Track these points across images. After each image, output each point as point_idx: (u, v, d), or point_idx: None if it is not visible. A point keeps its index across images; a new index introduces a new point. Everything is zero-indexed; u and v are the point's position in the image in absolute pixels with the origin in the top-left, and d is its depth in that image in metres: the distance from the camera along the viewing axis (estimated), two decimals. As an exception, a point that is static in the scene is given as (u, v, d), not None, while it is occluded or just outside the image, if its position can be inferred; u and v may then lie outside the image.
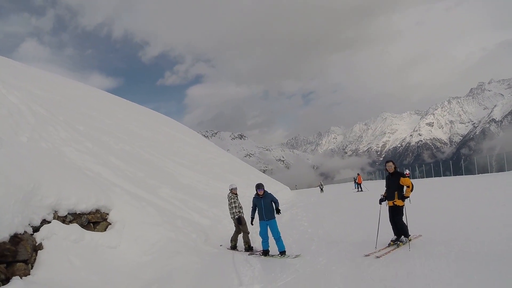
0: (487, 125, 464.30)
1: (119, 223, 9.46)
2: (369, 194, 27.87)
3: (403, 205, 9.41)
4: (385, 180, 10.01)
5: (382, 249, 9.06)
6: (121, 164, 15.23)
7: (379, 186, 36.12)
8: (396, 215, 9.43)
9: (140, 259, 8.67)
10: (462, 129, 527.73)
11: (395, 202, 9.41)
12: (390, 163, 9.67)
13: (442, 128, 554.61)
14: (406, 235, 9.32)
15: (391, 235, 9.66)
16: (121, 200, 10.42)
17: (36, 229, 7.08)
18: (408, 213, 9.82)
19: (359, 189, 36.87)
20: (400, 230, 9.40)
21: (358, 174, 38.90)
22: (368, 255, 8.58)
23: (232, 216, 11.51)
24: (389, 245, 9.37)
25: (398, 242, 9.27)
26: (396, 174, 9.49)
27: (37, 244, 6.93)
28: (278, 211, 10.32)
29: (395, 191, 9.42)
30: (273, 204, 10.26)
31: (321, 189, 45.41)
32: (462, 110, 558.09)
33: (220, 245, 11.85)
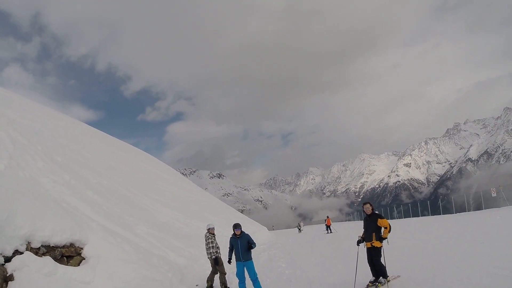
0: (464, 165, 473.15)
1: (94, 258, 9.19)
2: (347, 235, 27.82)
3: (381, 246, 9.41)
4: (362, 221, 10.02)
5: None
6: (98, 198, 14.96)
7: (356, 227, 36.25)
8: (374, 256, 9.39)
9: (114, 296, 8.41)
10: (439, 169, 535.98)
11: (373, 243, 9.42)
12: (368, 205, 9.76)
13: (420, 168, 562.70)
14: (385, 276, 9.31)
15: (370, 276, 9.63)
16: (96, 235, 10.17)
17: (7, 260, 6.85)
18: (386, 253, 9.72)
19: (329, 231, 37.53)
20: (378, 271, 9.38)
21: (327, 217, 40.44)
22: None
23: (209, 256, 11.36)
24: (368, 286, 9.35)
25: (377, 283, 9.24)
26: (373, 216, 9.57)
27: (8, 275, 6.67)
28: (250, 247, 10.09)
29: (373, 232, 9.44)
30: (250, 247, 10.16)
31: (299, 230, 45.67)
32: (438, 150, 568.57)
33: (196, 285, 11.61)
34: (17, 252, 7.13)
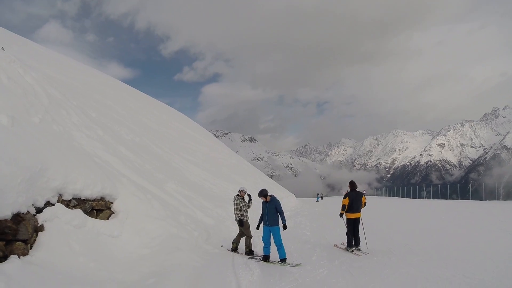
0: (498, 152, 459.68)
1: (123, 213, 9.41)
2: (373, 209, 27.67)
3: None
4: (348, 196, 11.45)
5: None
6: (130, 154, 15.21)
7: (384, 202, 36.09)
8: (358, 224, 11.42)
9: (140, 251, 8.60)
10: (473, 153, 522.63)
11: (357, 215, 11.43)
12: (353, 182, 11.82)
13: (453, 150, 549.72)
14: (359, 243, 11.38)
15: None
16: (127, 191, 10.38)
17: (39, 210, 7.05)
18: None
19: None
20: (357, 238, 11.39)
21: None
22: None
23: (235, 217, 11.39)
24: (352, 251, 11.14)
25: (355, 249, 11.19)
26: (360, 193, 11.59)
27: (38, 225, 6.89)
28: (284, 227, 10.04)
29: (360, 205, 11.43)
30: (277, 213, 10.09)
31: (318, 199, 46.57)
32: (474, 134, 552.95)
33: (221, 246, 11.73)
34: (48, 204, 7.34)
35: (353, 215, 11.32)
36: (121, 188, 10.26)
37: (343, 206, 11.36)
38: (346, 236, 11.49)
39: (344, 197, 11.48)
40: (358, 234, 11.38)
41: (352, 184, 11.69)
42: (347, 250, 11.22)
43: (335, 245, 12.15)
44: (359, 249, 11.12)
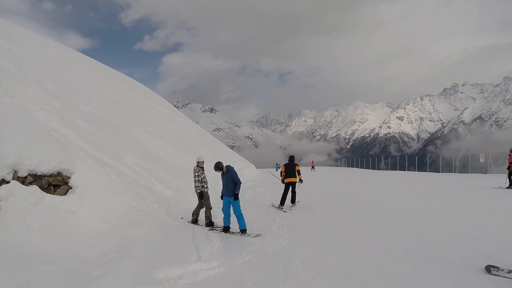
0: (456, 126, 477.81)
1: (81, 188, 9.30)
2: (330, 178, 28.37)
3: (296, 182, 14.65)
4: (284, 166, 14.85)
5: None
6: (88, 127, 14.92)
7: (341, 172, 36.99)
8: (293, 187, 14.67)
9: (99, 226, 8.57)
10: (431, 127, 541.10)
11: (292, 179, 14.51)
12: (292, 156, 15.28)
13: (412, 123, 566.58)
14: (294, 201, 14.73)
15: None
16: (84, 164, 10.24)
17: (-7, 189, 6.90)
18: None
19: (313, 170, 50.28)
20: (293, 197, 14.72)
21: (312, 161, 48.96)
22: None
23: (195, 189, 11.43)
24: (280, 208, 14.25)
25: (292, 205, 14.63)
26: (293, 164, 14.69)
27: (-7, 204, 6.76)
28: (235, 197, 10.05)
29: (294, 172, 14.48)
30: (235, 184, 10.20)
31: (277, 169, 48.89)
32: (433, 108, 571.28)
33: (181, 218, 11.81)
34: (3, 182, 7.19)
35: (287, 179, 14.54)
36: (78, 162, 10.10)
37: (281, 173, 14.92)
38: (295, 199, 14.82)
39: (282, 166, 14.99)
40: (287, 196, 14.59)
41: (291, 158, 15.14)
42: (280, 208, 14.22)
43: (272, 205, 15.13)
44: (282, 208, 14.21)
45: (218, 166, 10.19)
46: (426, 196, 17.25)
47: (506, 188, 19.54)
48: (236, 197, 10.08)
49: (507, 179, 19.87)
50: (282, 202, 14.38)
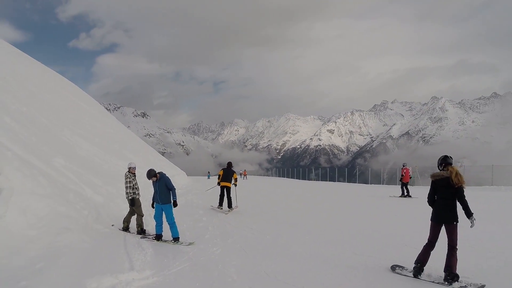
0: (384, 141, 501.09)
1: (7, 190, 8.79)
2: (261, 186, 28.78)
3: (230, 186, 15.85)
4: (222, 170, 16.19)
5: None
6: (16, 126, 14.15)
7: (272, 182, 37.75)
8: (228, 192, 15.73)
9: (26, 232, 8.14)
10: (361, 141, 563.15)
11: (226, 184, 15.75)
12: (230, 162, 16.62)
13: (342, 136, 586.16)
14: (231, 206, 15.70)
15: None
16: (11, 166, 9.72)
17: None
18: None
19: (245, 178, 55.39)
20: (229, 202, 15.67)
21: (244, 170, 58.83)
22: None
23: (127, 196, 11.20)
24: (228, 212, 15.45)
25: (229, 210, 15.54)
26: (231, 170, 16.08)
27: None
28: (174, 204, 10.12)
29: (230, 178, 15.83)
30: (168, 191, 10.14)
31: (208, 177, 50.16)
32: (363, 123, 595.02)
33: (112, 225, 11.51)
34: None
35: (223, 183, 15.77)
36: (4, 162, 9.57)
37: (218, 176, 16.21)
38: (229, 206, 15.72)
39: (220, 170, 16.31)
40: (224, 198, 15.90)
41: (228, 164, 16.49)
42: (218, 208, 15.81)
43: (211, 206, 16.58)
44: (221, 208, 15.79)
45: (151, 174, 10.04)
46: (356, 206, 18.07)
47: (399, 196, 22.42)
48: (175, 204, 10.09)
49: (402, 189, 22.58)
50: (220, 203, 15.96)
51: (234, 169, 16.43)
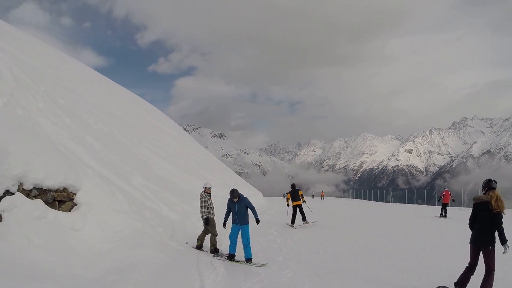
0: (464, 160, 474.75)
1: (86, 205, 9.09)
2: (339, 209, 28.00)
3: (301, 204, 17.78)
4: (289, 193, 18.19)
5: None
6: (97, 145, 14.78)
7: (350, 204, 36.77)
8: (300, 209, 17.59)
9: (102, 246, 8.32)
10: (440, 160, 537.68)
11: (297, 203, 17.59)
12: (294, 184, 18.41)
13: (420, 156, 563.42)
14: (305, 219, 17.67)
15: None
16: (91, 182, 10.05)
17: (-3, 199, 6.72)
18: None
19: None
20: (303, 216, 17.59)
21: (322, 191, 50.37)
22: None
23: (201, 215, 11.20)
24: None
25: (304, 223, 17.55)
26: (297, 190, 17.90)
27: (-5, 216, 6.57)
28: (257, 221, 10.32)
29: (298, 197, 17.65)
30: (249, 210, 10.06)
31: (284, 197, 50.21)
32: (442, 141, 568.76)
33: (186, 243, 11.54)
34: (7, 193, 7.01)
35: (294, 203, 17.59)
36: (85, 179, 9.92)
37: (287, 199, 18.70)
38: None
39: (288, 193, 18.25)
40: (296, 216, 17.54)
41: (292, 185, 18.28)
42: (291, 226, 17.25)
43: (287, 223, 17.87)
44: (294, 226, 17.20)
45: (234, 194, 10.02)
46: (434, 231, 16.83)
47: (439, 216, 24.23)
48: (258, 222, 10.38)
49: (442, 210, 24.57)
50: (293, 221, 17.52)
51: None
